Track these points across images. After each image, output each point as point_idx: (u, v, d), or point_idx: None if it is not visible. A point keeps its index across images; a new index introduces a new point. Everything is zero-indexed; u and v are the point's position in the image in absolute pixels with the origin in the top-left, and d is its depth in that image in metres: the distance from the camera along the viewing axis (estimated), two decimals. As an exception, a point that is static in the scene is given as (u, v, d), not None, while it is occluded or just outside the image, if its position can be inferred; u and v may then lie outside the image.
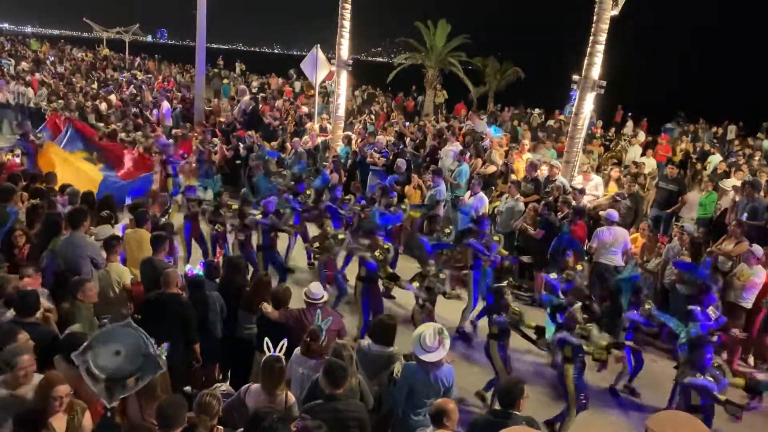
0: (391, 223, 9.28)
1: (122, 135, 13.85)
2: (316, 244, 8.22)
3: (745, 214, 9.32)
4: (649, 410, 6.89)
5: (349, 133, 14.97)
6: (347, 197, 9.99)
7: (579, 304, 6.41)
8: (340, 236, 8.25)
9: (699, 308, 6.81)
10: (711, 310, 6.87)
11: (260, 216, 8.52)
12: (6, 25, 69.46)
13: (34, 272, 5.56)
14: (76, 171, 10.44)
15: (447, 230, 8.72)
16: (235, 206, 9.13)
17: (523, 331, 6.52)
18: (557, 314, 6.55)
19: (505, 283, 6.77)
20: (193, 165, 12.46)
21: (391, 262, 8.88)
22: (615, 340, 6.49)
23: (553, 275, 7.68)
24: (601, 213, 9.39)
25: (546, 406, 6.69)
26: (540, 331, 6.49)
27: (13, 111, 18.71)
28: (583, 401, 6.11)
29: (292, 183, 10.36)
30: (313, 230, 10.17)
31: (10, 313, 4.84)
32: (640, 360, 7.26)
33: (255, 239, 8.80)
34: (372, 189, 11.33)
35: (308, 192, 10.10)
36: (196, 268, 6.16)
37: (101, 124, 14.87)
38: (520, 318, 6.38)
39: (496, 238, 8.68)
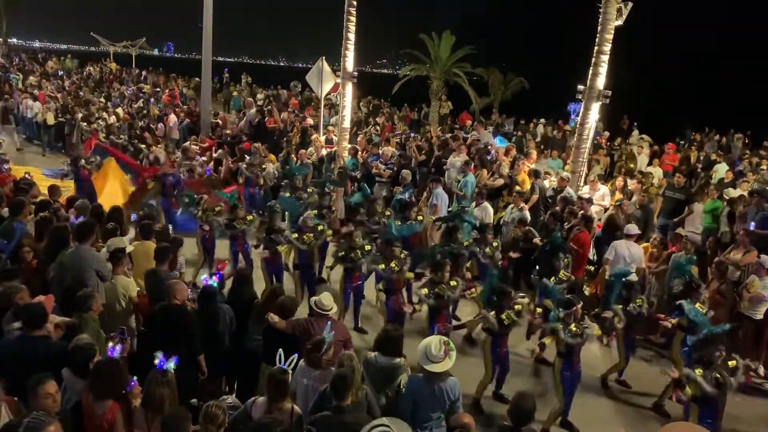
0: (407, 233, 9.25)
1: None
2: (342, 253, 8.10)
3: (753, 223, 9.28)
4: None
5: (356, 145, 15.02)
6: (387, 213, 9.85)
7: (580, 303, 6.48)
8: (367, 247, 8.15)
9: (687, 303, 6.98)
10: (699, 306, 7.01)
11: (296, 235, 8.47)
12: (14, 40, 70.04)
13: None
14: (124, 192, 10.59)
15: (466, 243, 8.74)
16: (250, 217, 9.16)
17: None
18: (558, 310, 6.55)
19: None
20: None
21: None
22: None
23: (551, 279, 7.84)
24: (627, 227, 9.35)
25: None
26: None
27: (45, 128, 18.69)
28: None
29: (316, 197, 10.31)
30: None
31: (17, 324, 4.84)
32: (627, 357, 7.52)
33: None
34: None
35: (333, 208, 10.11)
36: (211, 279, 6.14)
37: (142, 145, 14.85)
38: (515, 318, 6.59)
39: (495, 243, 8.86)
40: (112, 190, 10.69)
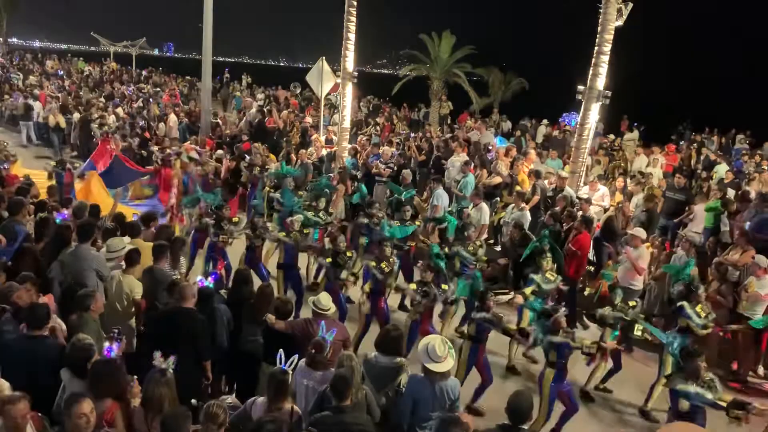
0: (400, 235, 9.26)
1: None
2: (328, 260, 8.13)
3: (748, 223, 9.28)
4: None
5: (356, 145, 15.04)
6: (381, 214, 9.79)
7: (564, 310, 6.44)
8: (349, 254, 8.16)
9: (687, 306, 7.00)
10: (700, 309, 7.04)
11: (283, 234, 8.52)
12: (15, 40, 69.95)
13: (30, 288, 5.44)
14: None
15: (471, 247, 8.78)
16: (236, 219, 9.14)
17: (504, 327, 6.63)
18: (542, 318, 6.54)
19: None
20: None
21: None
22: (598, 341, 6.70)
23: (539, 276, 7.84)
24: (630, 231, 9.33)
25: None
26: (524, 333, 6.55)
27: (55, 133, 18.31)
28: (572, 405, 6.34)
29: (314, 199, 10.24)
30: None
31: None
32: (618, 362, 7.44)
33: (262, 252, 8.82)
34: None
35: (331, 210, 10.16)
36: (207, 280, 6.14)
37: (155, 148, 14.84)
38: (499, 321, 6.54)
39: (478, 242, 8.94)
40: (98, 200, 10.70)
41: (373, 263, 7.74)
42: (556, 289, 7.93)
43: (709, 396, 5.43)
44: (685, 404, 5.61)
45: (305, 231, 8.75)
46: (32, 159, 16.46)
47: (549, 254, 8.20)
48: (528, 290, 7.66)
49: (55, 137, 18.20)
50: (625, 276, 8.66)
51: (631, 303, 7.29)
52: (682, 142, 20.77)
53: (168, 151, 13.20)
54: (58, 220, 7.31)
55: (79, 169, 11.55)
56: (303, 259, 9.73)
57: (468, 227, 9.00)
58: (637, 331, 7.46)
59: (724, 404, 5.40)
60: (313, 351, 4.93)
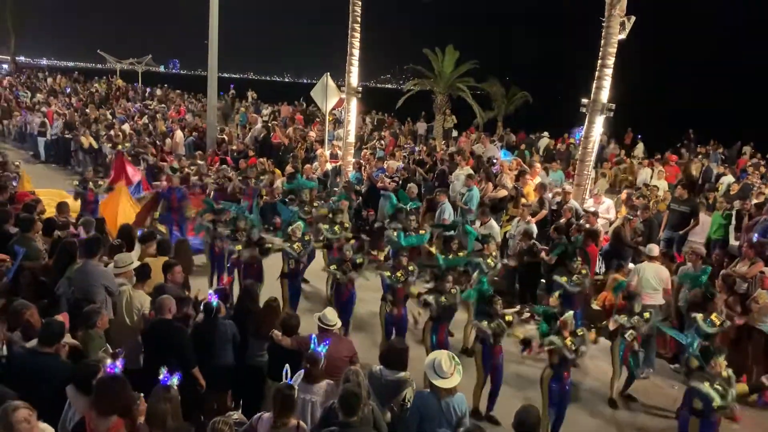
0: (415, 243, 9.31)
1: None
2: (333, 267, 8.23)
3: (756, 235, 9.23)
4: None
5: (360, 159, 15.08)
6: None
7: (571, 312, 6.47)
8: (359, 260, 8.29)
9: (701, 315, 6.99)
10: (714, 317, 7.01)
11: (288, 245, 8.58)
12: (22, 58, 70.66)
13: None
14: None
15: (461, 253, 8.79)
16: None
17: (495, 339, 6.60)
18: (550, 322, 6.52)
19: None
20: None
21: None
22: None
23: (563, 278, 8.02)
24: (641, 249, 9.27)
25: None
26: (526, 343, 6.54)
27: (87, 154, 18.12)
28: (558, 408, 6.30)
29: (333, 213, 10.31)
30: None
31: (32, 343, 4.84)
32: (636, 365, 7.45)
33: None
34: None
35: (346, 224, 10.21)
36: (215, 294, 6.14)
37: (163, 163, 14.82)
38: (505, 327, 6.55)
39: (494, 253, 8.96)
40: (125, 212, 10.82)
41: (388, 273, 7.78)
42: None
43: (717, 402, 5.49)
44: (698, 403, 5.64)
45: (306, 238, 8.81)
46: (40, 177, 16.56)
47: (579, 258, 8.29)
48: (555, 295, 7.78)
49: (87, 158, 17.97)
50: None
51: (646, 315, 7.21)
52: (687, 153, 20.80)
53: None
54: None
55: (103, 187, 11.59)
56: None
57: (488, 239, 9.01)
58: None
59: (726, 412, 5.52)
60: (308, 365, 4.91)
